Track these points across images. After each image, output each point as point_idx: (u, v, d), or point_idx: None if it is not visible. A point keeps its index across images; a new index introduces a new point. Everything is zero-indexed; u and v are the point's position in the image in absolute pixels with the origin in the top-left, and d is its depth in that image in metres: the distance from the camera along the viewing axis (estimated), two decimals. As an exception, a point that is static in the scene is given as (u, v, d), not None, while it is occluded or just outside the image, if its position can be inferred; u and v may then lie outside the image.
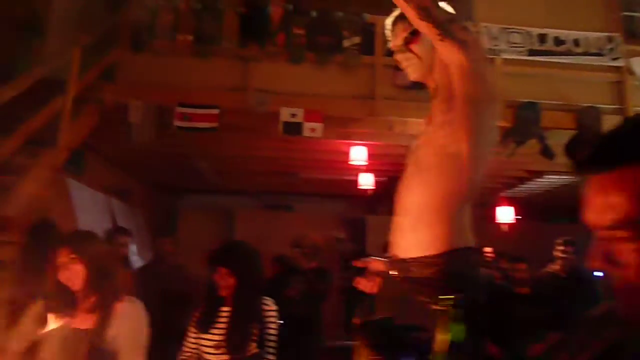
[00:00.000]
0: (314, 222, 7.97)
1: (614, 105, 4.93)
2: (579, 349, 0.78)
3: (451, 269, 1.27)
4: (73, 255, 2.07)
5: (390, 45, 1.64)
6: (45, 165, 3.71)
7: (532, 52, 5.02)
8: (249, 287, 2.38)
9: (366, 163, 5.53)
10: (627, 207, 0.62)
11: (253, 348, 2.31)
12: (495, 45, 4.87)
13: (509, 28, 5.00)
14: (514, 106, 4.61)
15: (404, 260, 1.36)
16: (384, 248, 4.68)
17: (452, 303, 1.04)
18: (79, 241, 2.19)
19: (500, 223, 6.38)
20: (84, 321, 2.06)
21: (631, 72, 5.04)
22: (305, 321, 3.89)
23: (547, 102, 4.77)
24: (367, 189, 6.32)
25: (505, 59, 4.89)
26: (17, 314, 2.44)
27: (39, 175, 3.60)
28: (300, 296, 3.83)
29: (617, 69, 5.08)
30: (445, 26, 1.31)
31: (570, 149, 4.86)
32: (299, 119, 4.56)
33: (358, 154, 5.34)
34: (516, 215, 6.52)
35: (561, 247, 4.32)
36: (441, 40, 1.32)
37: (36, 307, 2.14)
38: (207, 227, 8.17)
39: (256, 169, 6.98)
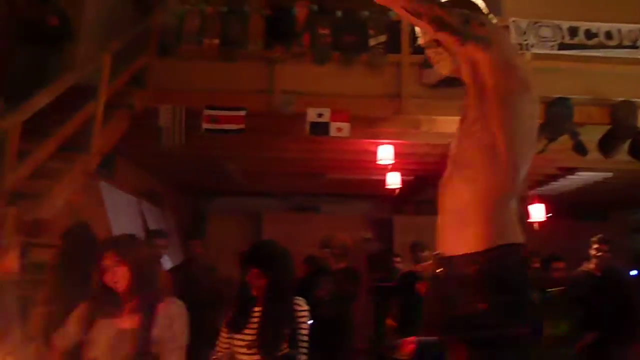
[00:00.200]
0: (340, 223, 7.96)
1: (649, 99, 4.78)
2: None
3: (496, 266, 1.25)
4: (118, 259, 2.14)
5: (420, 41, 1.62)
6: (78, 170, 3.79)
7: (562, 46, 4.90)
8: (280, 287, 2.38)
9: (393, 162, 5.50)
10: None
11: (285, 348, 2.31)
12: (525, 40, 4.77)
13: (539, 22, 4.89)
14: (545, 102, 4.51)
15: (449, 259, 1.35)
16: (411, 248, 4.65)
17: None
18: (124, 245, 2.26)
19: (531, 221, 6.25)
20: (129, 321, 2.13)
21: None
22: (335, 321, 3.89)
23: (579, 97, 4.66)
24: (394, 189, 6.28)
25: (535, 54, 4.78)
26: (58, 315, 2.50)
27: (73, 179, 3.68)
28: (329, 296, 3.82)
29: (652, 61, 4.92)
30: (462, 30, 1.30)
31: (604, 144, 4.74)
32: (325, 118, 4.56)
33: (385, 153, 5.31)
34: (547, 213, 6.38)
35: (596, 246, 4.23)
36: (462, 45, 1.32)
37: (82, 308, 2.21)
38: (235, 230, 8.25)
39: (283, 170, 7.01)
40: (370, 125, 4.93)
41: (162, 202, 7.12)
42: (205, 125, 4.60)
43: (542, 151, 4.53)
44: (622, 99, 4.67)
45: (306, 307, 2.45)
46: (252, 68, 4.86)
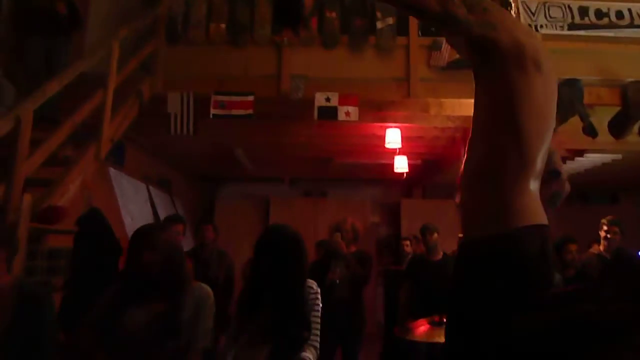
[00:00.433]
0: (348, 208, 8.00)
1: (660, 79, 4.74)
2: None
3: (518, 247, 1.25)
4: (151, 245, 2.22)
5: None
6: (89, 157, 3.82)
7: (572, 27, 4.85)
8: (293, 270, 2.40)
9: (400, 146, 5.50)
10: None
11: (299, 330, 2.34)
12: (534, 21, 4.73)
13: (548, 2, 4.84)
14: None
15: (466, 241, 1.35)
16: (421, 231, 4.64)
17: None
18: (156, 232, 2.35)
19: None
20: (159, 305, 2.21)
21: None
22: (347, 305, 3.92)
23: (589, 77, 4.62)
24: (402, 172, 6.28)
25: (545, 35, 4.74)
26: (74, 299, 2.55)
27: (84, 167, 3.71)
28: (341, 280, 3.85)
29: (664, 41, 4.86)
30: (466, 21, 1.29)
31: (614, 126, 4.71)
32: (333, 103, 4.55)
33: (393, 137, 5.31)
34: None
35: (606, 227, 4.22)
36: (468, 35, 1.33)
37: (114, 291, 2.28)
38: (243, 215, 8.31)
39: (291, 155, 7.03)
40: (378, 109, 4.92)
41: (171, 189, 7.17)
42: (213, 111, 4.60)
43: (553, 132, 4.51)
44: (633, 79, 4.63)
45: (318, 290, 2.48)
46: (260, 53, 4.84)
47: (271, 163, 7.63)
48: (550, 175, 1.52)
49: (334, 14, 4.82)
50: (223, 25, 4.89)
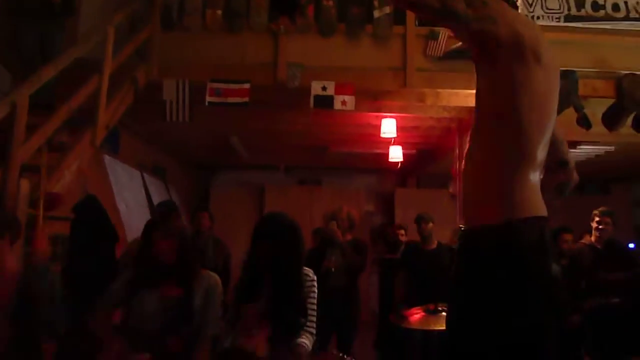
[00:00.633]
0: (343, 196, 8.02)
1: (655, 72, 4.76)
2: None
3: (512, 239, 1.26)
4: (167, 233, 2.32)
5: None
6: (85, 144, 3.80)
7: (568, 18, 4.86)
8: (291, 258, 2.42)
9: (396, 135, 5.52)
10: None
11: (296, 317, 2.37)
12: (531, 12, 4.73)
13: (545, -7, 4.84)
14: (550, 75, 4.49)
15: (466, 231, 1.37)
16: (416, 220, 4.67)
17: None
18: (172, 220, 2.52)
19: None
20: (172, 291, 2.30)
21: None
22: (343, 293, 3.96)
23: (584, 69, 4.64)
24: (396, 162, 6.31)
25: (541, 26, 4.73)
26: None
27: (79, 153, 3.70)
28: (337, 268, 3.89)
29: (659, 33, 4.88)
30: (465, 16, 1.30)
31: (609, 118, 4.74)
32: (330, 91, 4.54)
33: (388, 127, 5.33)
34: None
35: (597, 218, 4.27)
36: (467, 29, 1.33)
37: (128, 276, 2.35)
38: (238, 203, 8.31)
39: (286, 143, 7.03)
40: (374, 99, 4.92)
41: (166, 176, 7.16)
42: (209, 99, 4.58)
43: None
44: (628, 71, 4.65)
45: (315, 278, 2.51)
46: (257, 40, 4.81)
47: (267, 151, 7.63)
48: (558, 165, 1.55)
49: (330, 2, 4.79)
50: (219, 12, 4.85)
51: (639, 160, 6.59)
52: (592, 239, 4.30)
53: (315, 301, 2.46)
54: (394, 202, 8.50)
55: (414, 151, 7.10)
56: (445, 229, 5.06)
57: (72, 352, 2.39)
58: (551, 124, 1.37)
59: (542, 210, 1.33)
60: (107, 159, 5.33)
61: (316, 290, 2.49)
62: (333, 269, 3.85)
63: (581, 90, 4.59)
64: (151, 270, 2.33)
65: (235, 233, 5.93)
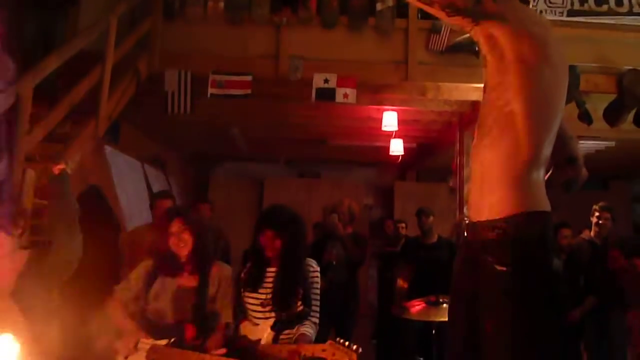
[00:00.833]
0: (342, 189, 8.04)
1: (658, 68, 4.76)
2: None
3: (517, 232, 1.28)
4: (185, 226, 2.40)
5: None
6: (87, 135, 3.80)
7: (571, 13, 4.85)
8: (294, 249, 2.47)
9: (397, 129, 5.52)
10: None
11: (299, 306, 2.41)
12: (534, 6, 4.72)
13: (548, -12, 4.83)
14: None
15: (474, 224, 1.38)
16: (417, 214, 4.69)
17: None
18: (189, 213, 2.54)
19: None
20: (188, 280, 2.39)
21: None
22: (343, 286, 3.98)
23: (586, 64, 4.64)
24: (397, 155, 6.31)
25: (544, 21, 4.73)
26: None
27: (82, 144, 3.70)
28: (338, 261, 3.90)
29: (662, 29, 4.87)
30: (475, 11, 1.31)
31: (610, 113, 4.75)
32: (332, 84, 4.54)
33: (389, 120, 5.32)
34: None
35: (597, 214, 4.28)
36: (476, 24, 1.34)
37: (145, 266, 2.43)
38: (237, 195, 8.32)
39: (287, 136, 7.02)
40: (376, 92, 4.92)
41: (166, 167, 7.15)
42: (211, 90, 4.58)
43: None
44: (630, 67, 4.65)
45: (318, 268, 2.56)
46: (259, 32, 4.80)
47: (267, 143, 7.62)
48: (567, 161, 1.57)
49: (333, -6, 4.78)
50: (221, 4, 4.83)
51: (639, 156, 6.60)
52: (592, 234, 4.32)
53: (318, 291, 2.51)
54: (394, 196, 8.51)
55: (414, 145, 7.10)
56: (444, 222, 5.08)
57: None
58: (558, 121, 1.39)
59: (545, 205, 1.35)
60: (109, 149, 5.32)
61: (319, 281, 2.53)
62: (334, 262, 3.87)
63: (583, 86, 4.59)
64: (169, 260, 2.40)
65: (234, 224, 5.95)
